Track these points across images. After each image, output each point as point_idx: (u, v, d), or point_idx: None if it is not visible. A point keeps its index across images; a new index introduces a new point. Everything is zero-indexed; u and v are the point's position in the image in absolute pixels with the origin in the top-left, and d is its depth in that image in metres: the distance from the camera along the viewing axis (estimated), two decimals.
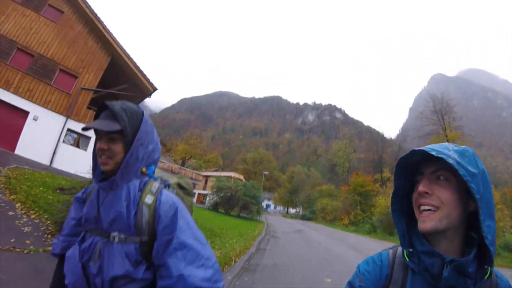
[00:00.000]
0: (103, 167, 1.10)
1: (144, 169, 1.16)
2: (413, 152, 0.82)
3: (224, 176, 34.51)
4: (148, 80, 17.40)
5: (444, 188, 0.79)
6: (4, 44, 14.14)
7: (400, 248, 0.90)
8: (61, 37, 15.95)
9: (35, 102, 14.59)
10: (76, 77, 15.97)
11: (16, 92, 14.14)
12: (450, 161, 0.75)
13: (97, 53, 16.89)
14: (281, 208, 72.28)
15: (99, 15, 16.79)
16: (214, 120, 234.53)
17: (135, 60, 17.34)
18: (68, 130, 15.21)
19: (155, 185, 1.15)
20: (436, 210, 0.78)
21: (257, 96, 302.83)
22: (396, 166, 0.87)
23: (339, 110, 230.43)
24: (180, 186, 1.32)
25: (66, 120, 15.10)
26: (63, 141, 14.95)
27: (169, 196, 1.14)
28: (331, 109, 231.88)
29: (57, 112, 15.05)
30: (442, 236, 0.79)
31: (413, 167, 0.87)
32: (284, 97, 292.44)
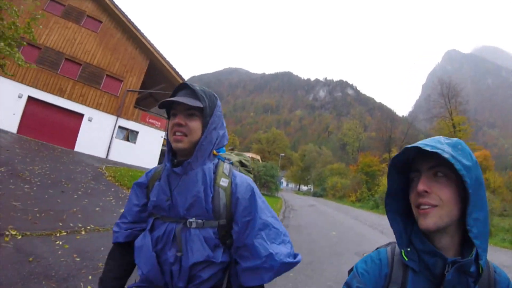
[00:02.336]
0: (176, 144, 1.08)
1: (215, 152, 1.18)
2: (406, 150, 0.80)
3: None
4: (183, 79, 20.13)
5: (443, 186, 0.76)
6: (52, 56, 16.66)
7: (398, 248, 0.86)
8: (103, 45, 18.59)
9: (88, 105, 17.52)
10: (121, 81, 18.80)
11: (70, 97, 16.96)
12: (446, 155, 0.72)
13: (137, 57, 19.57)
14: (293, 186, 75.67)
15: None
16: (224, 98, 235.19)
17: (168, 60, 20.02)
18: (119, 127, 18.29)
19: (226, 167, 1.16)
20: (436, 208, 0.75)
21: (267, 72, 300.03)
22: (389, 165, 0.84)
23: (351, 86, 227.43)
24: (241, 163, 1.34)
25: (117, 119, 18.14)
26: (116, 137, 18.08)
27: (243, 177, 1.16)
28: (342, 85, 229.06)
29: (108, 113, 18.05)
30: (443, 233, 0.77)
31: (407, 164, 0.84)
32: (295, 73, 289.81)
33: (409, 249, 0.82)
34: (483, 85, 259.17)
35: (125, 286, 1.20)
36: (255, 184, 1.17)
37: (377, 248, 0.93)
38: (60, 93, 16.70)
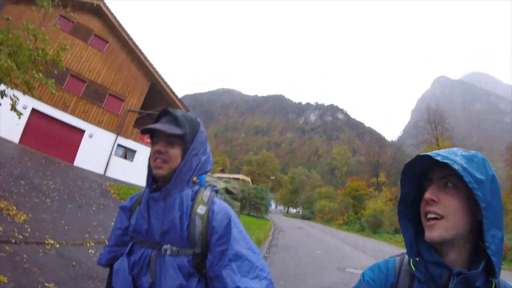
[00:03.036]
0: (156, 171, 1.10)
1: (194, 178, 1.16)
2: (419, 158, 0.80)
3: (232, 178, 38.51)
4: (181, 102, 21.11)
5: (452, 196, 0.76)
6: (59, 71, 17.36)
7: (407, 256, 0.86)
8: (108, 64, 19.45)
9: (90, 122, 18.12)
10: (123, 100, 19.59)
11: (73, 113, 17.53)
12: (456, 166, 0.72)
13: (139, 79, 20.50)
14: (282, 208, 76.01)
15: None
16: (216, 118, 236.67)
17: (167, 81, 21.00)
18: (118, 145, 18.91)
19: (206, 194, 1.15)
20: (443, 218, 0.75)
21: (260, 94, 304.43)
22: (402, 172, 0.85)
23: (341, 110, 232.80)
24: (227, 191, 1.32)
25: (117, 137, 18.79)
26: (114, 154, 18.65)
27: (221, 205, 1.14)
28: (333, 110, 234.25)
29: (109, 130, 18.69)
30: (450, 246, 0.77)
31: (420, 173, 0.84)
32: (287, 96, 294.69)
33: (417, 259, 0.81)
34: (472, 111, 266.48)
35: None
36: (234, 212, 1.16)
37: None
38: (64, 108, 17.29)
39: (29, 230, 4.86)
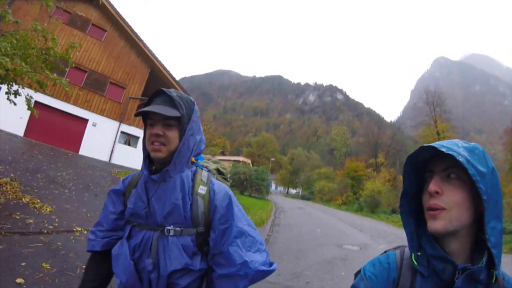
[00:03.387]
0: (155, 153, 1.10)
1: (193, 159, 1.18)
2: (422, 149, 0.79)
3: (233, 161, 39.31)
4: (183, 88, 21.36)
5: (455, 188, 0.76)
6: (59, 63, 17.51)
7: (407, 249, 0.86)
8: (107, 53, 19.56)
9: (92, 111, 18.44)
10: (124, 88, 19.84)
11: (75, 103, 17.83)
12: (460, 159, 0.72)
13: (139, 66, 20.66)
14: (282, 189, 77.29)
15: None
16: (214, 100, 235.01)
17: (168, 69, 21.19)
18: (121, 132, 19.34)
19: (204, 174, 1.18)
20: (446, 210, 0.75)
21: (258, 75, 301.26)
22: (405, 164, 0.83)
23: (341, 91, 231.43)
24: (218, 171, 1.37)
25: (120, 124, 19.20)
26: (118, 142, 19.12)
27: (221, 185, 1.18)
28: (332, 90, 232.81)
29: (112, 118, 19.06)
30: (453, 237, 0.77)
31: (422, 164, 0.83)
32: (285, 77, 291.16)
33: (419, 253, 0.81)
34: (471, 92, 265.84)
35: None
36: (232, 192, 1.20)
37: (386, 251, 0.92)
38: (66, 98, 17.55)
39: (56, 220, 5.40)
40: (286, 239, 8.71)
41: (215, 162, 1.42)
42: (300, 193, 62.07)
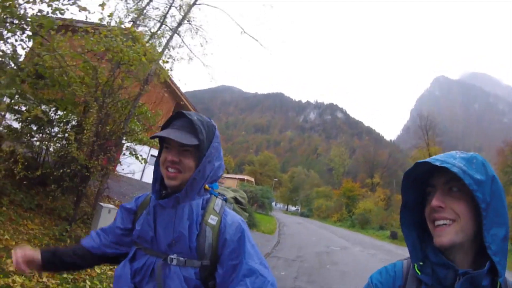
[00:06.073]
0: (169, 181, 1.07)
1: (206, 186, 1.13)
2: (417, 165, 0.81)
3: (238, 178, 43.14)
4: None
5: (458, 200, 0.76)
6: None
7: (411, 261, 0.87)
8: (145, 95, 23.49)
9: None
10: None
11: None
12: (455, 170, 0.73)
13: (165, 99, 24.67)
14: (281, 205, 79.97)
15: None
16: (216, 115, 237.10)
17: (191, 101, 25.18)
18: (151, 155, 23.21)
19: (217, 203, 1.12)
20: (451, 223, 0.75)
21: (260, 92, 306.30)
22: (403, 180, 0.85)
23: (341, 109, 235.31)
24: (236, 200, 1.34)
25: (150, 149, 23.06)
26: (149, 163, 22.89)
27: (235, 217, 1.12)
28: (332, 108, 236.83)
29: (143, 145, 22.90)
30: (458, 248, 0.77)
31: (421, 179, 0.84)
32: (287, 94, 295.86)
33: (421, 263, 0.82)
34: (471, 110, 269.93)
35: None
36: (246, 225, 1.13)
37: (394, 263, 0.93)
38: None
39: None
40: (290, 241, 12.98)
41: (234, 191, 1.46)
42: (299, 210, 65.22)
